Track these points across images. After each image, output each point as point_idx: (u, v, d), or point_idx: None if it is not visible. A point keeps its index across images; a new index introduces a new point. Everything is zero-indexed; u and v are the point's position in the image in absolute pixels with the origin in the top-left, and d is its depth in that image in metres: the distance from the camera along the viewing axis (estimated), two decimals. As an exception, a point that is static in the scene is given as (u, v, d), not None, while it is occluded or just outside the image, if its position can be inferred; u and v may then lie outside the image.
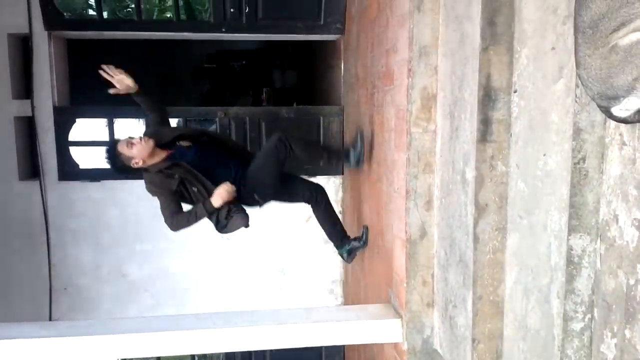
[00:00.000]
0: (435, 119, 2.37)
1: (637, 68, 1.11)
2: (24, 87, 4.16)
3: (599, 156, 1.44)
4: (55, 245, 4.20)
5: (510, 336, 1.87)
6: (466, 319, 2.02)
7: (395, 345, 2.66)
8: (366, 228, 3.30)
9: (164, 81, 6.67)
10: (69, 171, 4.15)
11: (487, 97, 1.87)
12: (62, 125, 4.13)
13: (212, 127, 4.30)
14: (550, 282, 1.60)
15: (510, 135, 1.83)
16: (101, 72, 2.79)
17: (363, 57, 3.42)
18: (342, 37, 4.22)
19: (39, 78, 4.05)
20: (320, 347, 4.38)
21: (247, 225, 3.01)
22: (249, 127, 4.26)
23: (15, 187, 4.13)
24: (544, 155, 1.63)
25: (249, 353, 4.51)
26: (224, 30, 4.12)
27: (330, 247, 4.57)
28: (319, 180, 4.38)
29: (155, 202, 4.24)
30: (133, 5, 4.39)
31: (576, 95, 1.46)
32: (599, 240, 1.45)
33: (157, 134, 2.88)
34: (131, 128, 5.26)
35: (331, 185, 4.39)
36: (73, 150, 4.21)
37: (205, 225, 4.31)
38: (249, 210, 3.02)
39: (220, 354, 4.74)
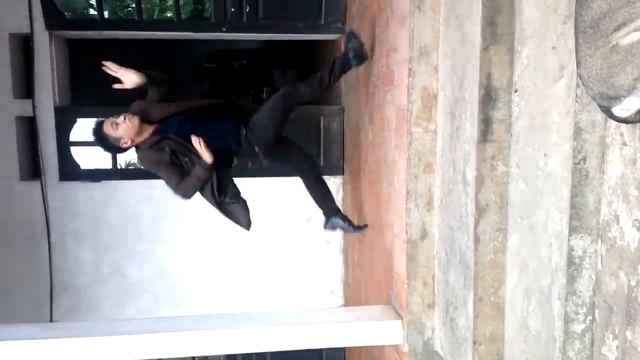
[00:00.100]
0: (435, 118, 2.36)
1: (638, 68, 1.10)
2: (25, 87, 4.16)
3: (599, 156, 1.43)
4: (56, 245, 4.20)
5: (511, 338, 1.86)
6: (467, 320, 2.01)
7: (396, 347, 2.65)
8: (365, 226, 3.26)
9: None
10: (70, 171, 4.15)
11: (488, 97, 1.86)
12: (63, 125, 4.13)
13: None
14: (551, 283, 1.59)
15: (511, 135, 1.82)
16: (104, 68, 2.77)
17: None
18: (342, 37, 4.21)
19: (40, 78, 4.05)
20: (321, 349, 4.37)
21: (248, 227, 3.00)
22: (249, 127, 4.25)
23: (16, 188, 4.13)
24: (545, 155, 1.62)
25: (250, 355, 4.51)
26: (224, 29, 4.11)
27: (331, 247, 4.58)
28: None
29: (155, 203, 4.28)
30: (134, 5, 4.39)
31: (577, 95, 1.45)
32: (599, 241, 1.44)
33: (145, 111, 2.82)
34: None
35: (331, 185, 4.37)
36: (74, 150, 4.21)
37: (205, 226, 4.34)
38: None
39: (220, 355, 4.74)
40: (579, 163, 1.45)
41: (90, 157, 4.56)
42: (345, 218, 3.17)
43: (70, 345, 2.47)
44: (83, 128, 4.36)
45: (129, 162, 8.30)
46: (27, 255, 4.19)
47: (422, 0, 2.28)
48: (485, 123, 1.86)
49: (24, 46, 4.15)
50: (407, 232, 2.38)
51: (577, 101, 1.45)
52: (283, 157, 3.16)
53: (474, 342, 1.94)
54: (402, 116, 2.49)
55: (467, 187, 1.99)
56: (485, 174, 1.85)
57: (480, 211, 1.85)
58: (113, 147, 2.82)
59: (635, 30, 1.09)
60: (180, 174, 2.81)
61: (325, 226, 3.24)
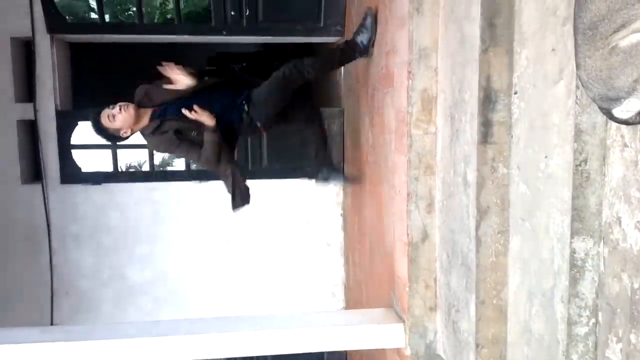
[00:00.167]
0: (435, 121, 2.36)
1: (638, 69, 1.10)
2: (27, 91, 4.17)
3: (600, 158, 1.42)
4: (57, 248, 4.20)
5: (514, 341, 1.85)
6: (469, 323, 2.00)
7: (398, 351, 2.64)
8: (358, 178, 3.17)
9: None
10: (71, 174, 4.16)
11: (488, 99, 1.85)
12: (65, 129, 4.14)
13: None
14: (554, 286, 1.58)
15: (511, 137, 1.82)
16: (160, 69, 2.75)
17: (363, 59, 3.40)
18: (342, 39, 4.21)
19: (42, 81, 4.06)
20: (322, 352, 4.37)
21: (236, 208, 2.99)
22: (250, 129, 4.26)
23: (17, 191, 4.13)
24: (545, 157, 1.61)
25: (250, 358, 4.50)
26: (224, 33, 4.12)
27: (331, 249, 4.58)
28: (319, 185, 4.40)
29: (155, 205, 4.28)
30: (134, 9, 4.40)
31: (577, 97, 1.44)
32: (602, 243, 1.43)
33: (148, 94, 2.81)
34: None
35: (332, 187, 4.37)
36: (75, 153, 4.22)
37: (205, 228, 4.34)
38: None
39: (221, 358, 4.73)
40: (580, 165, 1.45)
41: (92, 160, 4.57)
42: (337, 169, 3.13)
43: (69, 348, 2.46)
44: (84, 131, 4.38)
45: (130, 164, 8.35)
46: (28, 258, 4.19)
47: (420, 3, 2.28)
48: (485, 125, 1.85)
49: (25, 50, 4.16)
50: (408, 235, 2.38)
51: (577, 103, 1.45)
52: (284, 127, 3.14)
53: (477, 345, 1.93)
54: (402, 118, 2.48)
55: (468, 189, 1.99)
56: (486, 176, 1.85)
57: (482, 213, 1.85)
58: (114, 137, 2.82)
59: (634, 32, 1.09)
60: (195, 148, 2.80)
61: (317, 178, 3.20)
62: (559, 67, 1.54)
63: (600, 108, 1.26)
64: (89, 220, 4.23)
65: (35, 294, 4.19)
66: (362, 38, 3.07)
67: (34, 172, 4.25)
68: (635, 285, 1.28)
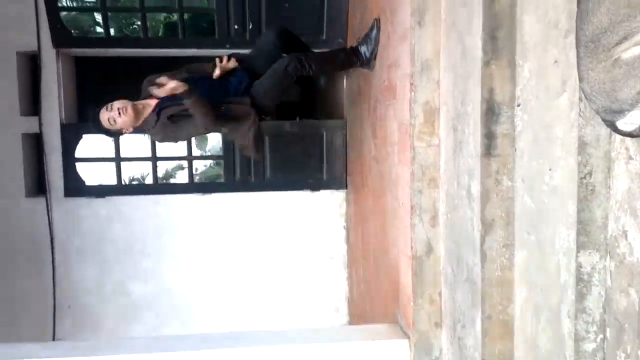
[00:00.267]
0: (438, 133, 2.35)
1: (641, 82, 1.09)
2: (32, 105, 4.20)
3: (605, 171, 1.41)
4: (60, 262, 4.19)
5: (520, 357, 1.82)
6: (475, 339, 1.97)
7: (403, 366, 2.60)
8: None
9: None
10: (75, 187, 4.17)
11: (490, 111, 1.85)
12: (69, 142, 4.16)
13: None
14: (560, 301, 1.56)
15: (515, 149, 1.80)
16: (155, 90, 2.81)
17: (365, 72, 3.41)
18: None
19: (47, 95, 4.09)
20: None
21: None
22: (253, 142, 4.26)
23: (21, 204, 4.14)
24: (550, 169, 1.60)
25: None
26: (228, 46, 4.14)
27: (335, 263, 4.54)
28: (322, 194, 4.39)
29: (159, 218, 4.28)
30: (139, 23, 4.44)
31: (580, 109, 1.43)
32: (608, 257, 1.41)
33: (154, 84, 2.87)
34: (137, 144, 5.27)
35: (335, 199, 4.36)
36: (79, 166, 4.23)
37: (208, 241, 4.33)
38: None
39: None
40: (584, 177, 1.43)
41: (95, 173, 4.59)
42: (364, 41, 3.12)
43: (71, 364, 2.44)
44: (89, 144, 4.40)
45: (133, 176, 8.36)
46: (31, 272, 4.19)
47: (422, 16, 2.29)
48: (489, 137, 1.84)
49: (31, 64, 4.20)
50: (412, 248, 2.36)
51: (580, 115, 1.43)
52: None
53: (482, 362, 1.90)
54: (405, 130, 2.48)
55: (472, 202, 1.97)
56: (490, 189, 1.84)
57: (486, 227, 1.83)
58: (117, 133, 2.92)
59: (637, 44, 1.08)
60: (191, 121, 2.85)
61: (363, 56, 3.14)
62: (561, 80, 1.53)
63: (604, 120, 1.25)
64: (93, 233, 4.23)
65: (38, 308, 4.17)
66: (365, 49, 3.11)
67: (38, 186, 4.26)
68: (643, 301, 1.26)
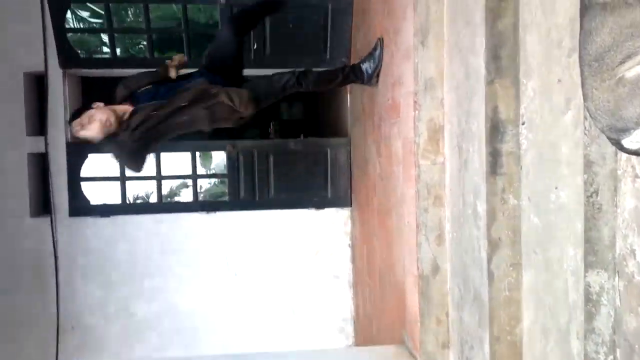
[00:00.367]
0: (443, 151, 2.35)
1: (646, 101, 1.09)
2: (38, 125, 4.24)
3: (612, 189, 1.40)
4: (64, 282, 4.18)
5: (529, 378, 1.79)
6: None
7: (410, 388, 2.56)
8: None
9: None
10: (80, 207, 4.18)
11: (495, 130, 1.85)
12: (75, 161, 4.18)
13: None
14: (569, 321, 1.54)
15: (521, 167, 1.80)
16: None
17: (369, 90, 3.44)
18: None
19: (53, 115, 4.13)
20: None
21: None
22: (257, 160, 4.28)
23: (26, 224, 4.15)
24: (556, 188, 1.59)
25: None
26: (232, 66, 4.18)
27: (340, 282, 4.51)
28: (326, 212, 4.38)
29: (163, 237, 4.27)
30: (145, 43, 4.50)
31: (585, 128, 1.43)
32: (616, 276, 1.39)
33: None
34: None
35: (339, 217, 4.35)
36: (84, 185, 4.25)
37: (212, 261, 4.31)
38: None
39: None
40: (591, 196, 1.42)
41: (100, 192, 4.60)
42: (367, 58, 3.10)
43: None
44: (94, 163, 4.42)
45: (138, 194, 8.38)
46: (35, 292, 4.17)
47: (425, 36, 2.31)
48: (494, 156, 1.84)
49: (37, 84, 4.25)
50: (418, 267, 2.34)
51: (585, 134, 1.43)
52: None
53: (491, 383, 1.87)
54: (409, 149, 2.48)
55: (479, 220, 1.96)
56: (496, 208, 1.83)
57: (493, 246, 1.82)
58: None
59: (641, 63, 1.08)
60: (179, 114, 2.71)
61: (365, 74, 3.12)
62: (565, 98, 1.54)
63: (609, 139, 1.24)
64: (97, 253, 4.22)
65: (41, 328, 4.15)
66: (368, 66, 3.12)
67: (43, 205, 4.27)
68: (654, 321, 1.24)
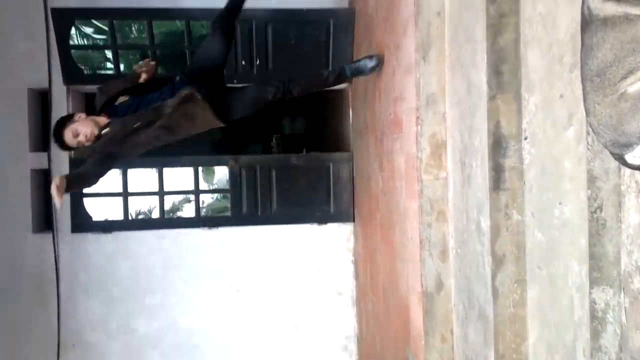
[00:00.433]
0: (446, 166, 2.34)
1: (649, 116, 1.08)
2: (42, 141, 4.25)
3: (616, 204, 1.39)
4: (66, 298, 4.16)
5: (535, 396, 1.76)
6: (488, 378, 1.91)
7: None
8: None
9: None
10: (82, 223, 4.17)
11: (498, 144, 1.84)
12: (77, 178, 4.18)
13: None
14: (575, 339, 1.51)
15: (524, 183, 1.79)
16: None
17: (371, 105, 3.45)
18: (350, 86, 4.28)
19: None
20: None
21: None
22: (259, 175, 4.28)
23: (28, 240, 4.14)
24: (560, 203, 1.58)
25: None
26: (235, 81, 4.21)
27: (343, 299, 4.47)
28: (329, 228, 4.36)
29: (164, 253, 4.26)
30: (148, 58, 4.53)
31: (588, 143, 1.43)
32: (622, 293, 1.37)
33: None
34: (144, 177, 5.31)
35: (342, 232, 4.32)
36: (87, 201, 4.25)
37: (214, 277, 4.28)
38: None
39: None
40: (595, 211, 1.41)
41: (102, 208, 4.60)
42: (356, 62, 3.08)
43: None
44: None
45: (140, 210, 8.37)
46: (36, 309, 4.15)
47: (427, 51, 2.32)
48: (497, 171, 1.83)
49: (41, 100, 4.28)
50: (422, 284, 2.32)
51: (588, 149, 1.43)
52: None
53: (497, 402, 1.84)
54: (412, 164, 2.48)
55: (482, 236, 1.94)
56: (500, 223, 1.81)
57: (497, 262, 1.80)
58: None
59: (643, 79, 1.08)
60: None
61: (347, 74, 3.12)
62: (568, 113, 1.53)
63: (612, 154, 1.24)
64: (99, 269, 4.21)
65: (42, 345, 4.11)
66: (353, 72, 3.13)
67: (45, 221, 4.27)
68: (662, 339, 1.21)
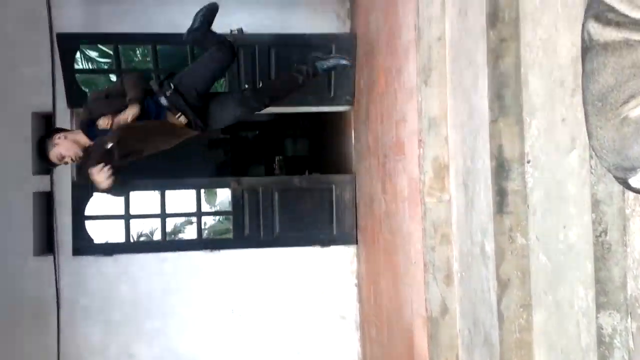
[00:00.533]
0: (449, 189, 2.34)
1: (651, 140, 1.09)
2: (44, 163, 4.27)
3: (620, 228, 1.38)
4: (65, 323, 4.11)
5: None
6: (495, 405, 1.88)
7: None
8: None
9: (180, 152, 6.82)
10: (83, 246, 4.15)
11: (501, 168, 1.84)
12: (79, 200, 4.19)
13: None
14: (583, 365, 1.49)
15: (528, 206, 1.78)
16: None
17: (373, 127, 3.47)
18: (351, 109, 4.31)
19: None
20: None
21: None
22: (261, 197, 4.28)
23: (29, 263, 4.12)
24: (564, 227, 1.57)
25: None
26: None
27: (347, 323, 4.41)
28: (332, 250, 4.33)
29: (166, 277, 4.22)
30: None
31: (591, 166, 1.43)
32: (629, 318, 1.36)
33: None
34: (146, 200, 5.31)
35: (345, 255, 4.29)
36: (88, 224, 4.24)
37: (215, 301, 4.24)
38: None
39: None
40: (600, 235, 1.40)
41: (104, 230, 4.59)
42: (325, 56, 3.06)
43: None
44: (98, 201, 4.43)
45: (142, 231, 8.36)
46: (36, 333, 4.10)
47: (428, 75, 2.34)
48: (500, 194, 1.83)
49: (45, 124, 4.31)
50: (427, 308, 2.29)
51: (592, 172, 1.43)
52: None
53: None
54: (415, 186, 2.48)
55: (487, 260, 1.93)
56: (504, 247, 1.80)
57: (502, 286, 1.78)
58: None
59: (644, 103, 1.09)
60: None
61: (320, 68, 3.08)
62: (570, 137, 1.54)
63: (616, 178, 1.24)
64: (99, 293, 4.17)
65: (41, 371, 4.06)
66: (325, 69, 3.11)
67: (47, 244, 4.26)
68: (672, 366, 1.19)
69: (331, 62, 3.08)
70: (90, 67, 7.11)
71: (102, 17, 4.18)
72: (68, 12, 4.15)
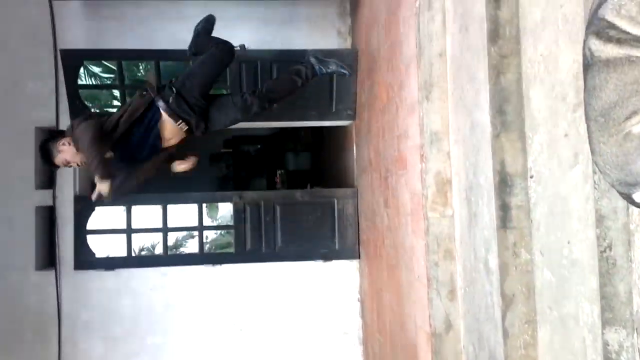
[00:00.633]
0: (451, 203, 2.34)
1: (655, 156, 1.09)
2: (48, 178, 4.28)
3: (625, 243, 1.37)
4: (66, 338, 4.09)
5: None
6: (500, 423, 1.85)
7: None
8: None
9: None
10: (85, 260, 4.15)
11: (503, 183, 1.84)
12: (82, 214, 4.19)
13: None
14: (590, 382, 1.47)
15: (531, 221, 1.78)
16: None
17: (375, 142, 3.47)
18: (353, 123, 4.33)
19: (63, 168, 4.16)
20: None
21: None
22: (263, 211, 4.28)
23: (31, 278, 4.11)
24: (568, 242, 1.57)
25: None
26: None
27: (349, 339, 4.37)
28: (334, 265, 4.31)
29: (167, 291, 4.20)
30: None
31: (595, 182, 1.42)
32: (635, 334, 1.34)
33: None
34: (150, 216, 5.30)
35: (348, 269, 4.28)
36: (90, 238, 4.23)
37: (217, 316, 4.21)
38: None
39: None
40: (604, 251, 1.39)
41: (105, 244, 4.58)
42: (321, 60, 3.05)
43: None
44: (100, 216, 4.43)
45: (143, 245, 8.33)
46: (37, 348, 4.07)
47: (429, 91, 2.35)
48: (503, 209, 1.83)
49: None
50: (430, 324, 2.27)
51: (595, 188, 1.42)
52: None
53: None
54: (418, 201, 2.47)
55: (491, 275, 1.92)
56: (508, 262, 1.79)
57: (507, 302, 1.77)
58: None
59: (647, 119, 1.09)
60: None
61: (317, 71, 3.08)
62: (573, 152, 1.54)
63: (620, 193, 1.24)
64: (101, 307, 4.15)
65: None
66: (323, 71, 3.11)
67: (49, 258, 4.25)
68: (680, 384, 1.18)
69: (331, 68, 3.10)
70: (94, 82, 7.16)
71: (105, 32, 4.23)
72: (71, 28, 4.20)
